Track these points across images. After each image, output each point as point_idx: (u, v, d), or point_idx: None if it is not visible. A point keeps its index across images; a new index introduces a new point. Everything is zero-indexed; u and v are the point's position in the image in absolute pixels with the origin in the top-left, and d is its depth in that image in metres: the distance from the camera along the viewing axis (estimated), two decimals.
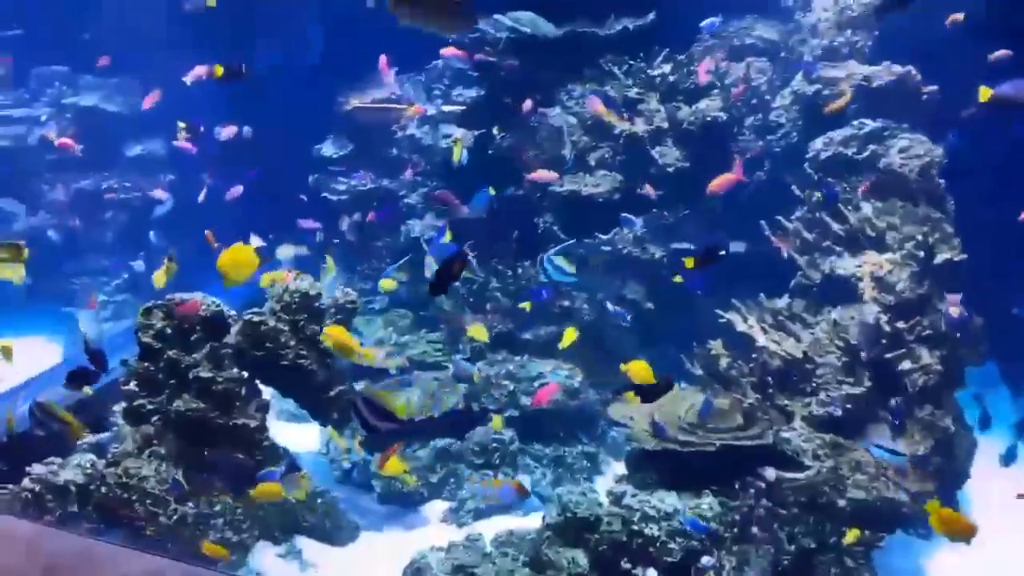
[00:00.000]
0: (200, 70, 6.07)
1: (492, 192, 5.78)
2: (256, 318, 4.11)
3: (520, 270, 6.30)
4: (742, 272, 6.53)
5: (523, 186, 6.61)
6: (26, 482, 4.34)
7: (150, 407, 4.21)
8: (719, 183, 5.04)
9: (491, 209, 5.88)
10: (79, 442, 4.86)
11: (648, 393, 3.76)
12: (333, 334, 4.03)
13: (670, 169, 6.35)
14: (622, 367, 3.95)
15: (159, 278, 4.25)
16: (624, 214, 5.77)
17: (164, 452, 4.08)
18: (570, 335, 5.40)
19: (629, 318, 5.43)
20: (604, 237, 6.21)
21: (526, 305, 5.55)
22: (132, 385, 4.26)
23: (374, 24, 7.74)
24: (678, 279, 4.80)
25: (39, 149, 8.23)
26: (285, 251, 6.34)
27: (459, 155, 6.24)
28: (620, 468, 5.66)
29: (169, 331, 4.20)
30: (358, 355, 4.10)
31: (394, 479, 5.32)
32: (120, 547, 3.17)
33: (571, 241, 6.18)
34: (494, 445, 5.37)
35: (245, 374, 4.17)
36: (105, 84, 8.34)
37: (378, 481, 5.41)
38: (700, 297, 6.44)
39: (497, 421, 5.40)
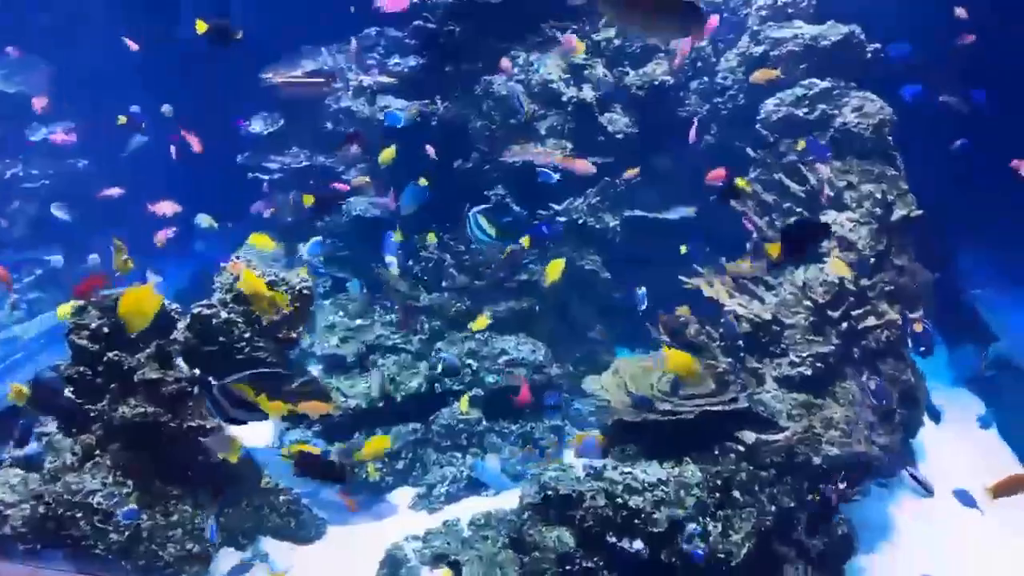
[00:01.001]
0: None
1: (424, 183, 5.50)
2: (206, 311, 3.79)
3: (473, 245, 6.10)
4: (692, 237, 6.57)
5: (471, 158, 6.40)
6: None
7: (89, 415, 3.85)
8: (715, 176, 4.94)
9: (425, 200, 5.58)
10: None
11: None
12: (248, 280, 3.62)
13: (619, 136, 6.26)
14: (664, 357, 3.82)
15: (121, 265, 3.81)
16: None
17: (109, 463, 3.74)
18: (555, 269, 5.27)
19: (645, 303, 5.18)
20: (558, 207, 6.09)
21: (525, 240, 5.34)
22: (67, 392, 3.88)
23: None
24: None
25: None
26: (203, 219, 5.96)
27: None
28: None
29: (106, 330, 3.83)
30: (270, 301, 3.73)
31: (357, 469, 5.12)
32: (67, 572, 2.87)
33: (502, 200, 6.02)
34: (460, 426, 5.22)
35: (196, 372, 3.85)
36: (3, 63, 7.58)
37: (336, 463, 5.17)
38: (653, 264, 6.44)
39: (464, 402, 5.23)
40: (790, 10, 5.71)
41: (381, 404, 5.15)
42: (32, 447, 4.85)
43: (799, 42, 5.45)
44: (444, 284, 5.92)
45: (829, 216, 4.55)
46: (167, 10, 8.54)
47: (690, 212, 6.47)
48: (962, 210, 6.27)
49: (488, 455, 5.20)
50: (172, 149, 6.63)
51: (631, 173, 5.82)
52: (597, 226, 6.08)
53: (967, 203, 6.16)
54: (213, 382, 3.40)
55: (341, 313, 5.84)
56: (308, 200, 5.06)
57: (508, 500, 5.04)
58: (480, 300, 5.81)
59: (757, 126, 5.57)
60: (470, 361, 5.41)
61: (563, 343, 6.02)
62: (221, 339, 3.80)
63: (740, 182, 4.77)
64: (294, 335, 3.99)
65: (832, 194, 4.59)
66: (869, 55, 5.35)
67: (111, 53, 7.13)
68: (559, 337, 6.01)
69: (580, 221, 5.99)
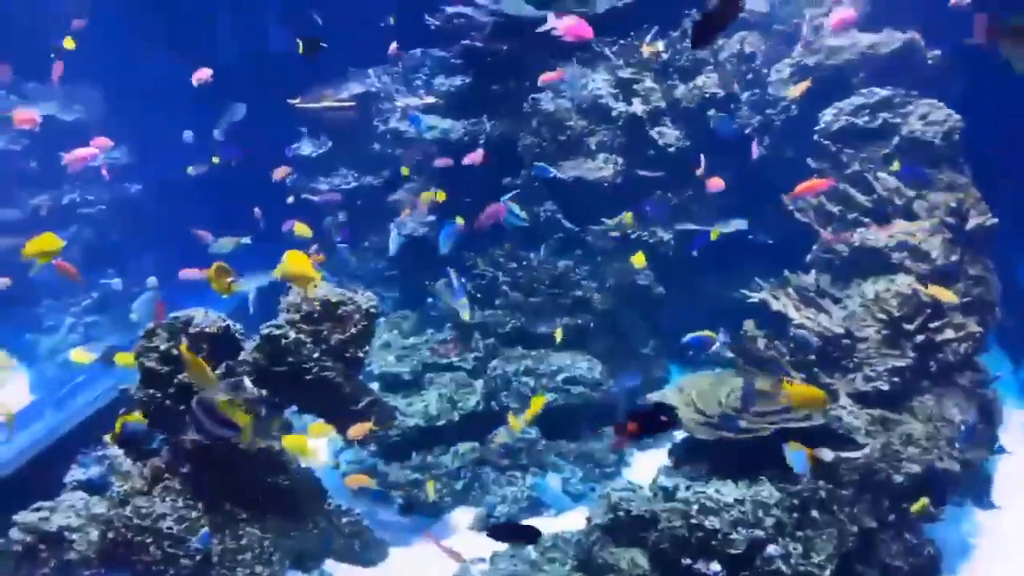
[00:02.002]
0: (204, 73, 5.68)
1: (460, 222, 5.48)
2: (275, 331, 3.79)
3: (525, 262, 6.06)
4: (746, 249, 6.46)
5: (520, 175, 6.38)
6: (14, 532, 3.96)
7: (159, 438, 3.86)
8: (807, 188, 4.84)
9: (461, 238, 5.54)
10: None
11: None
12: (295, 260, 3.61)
13: (671, 149, 6.20)
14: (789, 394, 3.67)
15: (224, 288, 3.77)
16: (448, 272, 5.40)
17: (179, 486, 3.74)
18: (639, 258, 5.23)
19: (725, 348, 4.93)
20: (610, 222, 6.03)
21: (627, 217, 5.28)
22: (136, 413, 3.90)
23: (338, 14, 7.44)
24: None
25: None
26: (224, 244, 5.96)
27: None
28: (644, 459, 5.53)
29: (176, 352, 3.85)
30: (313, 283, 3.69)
31: (416, 489, 5.07)
32: None
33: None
34: (520, 445, 5.15)
35: (264, 392, 3.85)
36: (57, 92, 7.77)
37: (398, 492, 5.13)
38: (709, 279, 6.35)
39: (515, 421, 5.15)
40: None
41: (441, 423, 5.10)
42: (95, 470, 4.90)
43: (856, 50, 5.35)
44: (497, 302, 5.88)
45: (899, 226, 4.43)
46: (206, 35, 8.71)
47: (742, 224, 6.38)
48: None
49: (549, 474, 5.12)
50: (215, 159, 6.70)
51: (703, 175, 5.68)
52: (650, 240, 6.01)
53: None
54: (199, 397, 3.38)
55: (395, 331, 5.83)
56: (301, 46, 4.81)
57: (570, 520, 4.95)
58: (534, 317, 5.76)
59: (816, 136, 5.47)
60: (527, 379, 5.35)
61: (616, 359, 5.93)
62: (290, 359, 3.79)
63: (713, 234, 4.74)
64: (361, 354, 3.97)
65: (900, 203, 4.48)
66: (929, 62, 5.24)
67: (156, 79, 7.29)
68: (611, 353, 5.93)
69: (634, 235, 5.92)
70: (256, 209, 6.17)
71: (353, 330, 3.87)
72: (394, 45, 6.80)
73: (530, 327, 5.71)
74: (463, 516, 5.08)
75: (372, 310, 3.96)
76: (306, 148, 7.53)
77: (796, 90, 5.67)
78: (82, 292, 7.30)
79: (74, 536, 3.99)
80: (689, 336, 4.76)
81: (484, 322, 5.78)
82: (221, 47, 8.44)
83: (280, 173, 6.77)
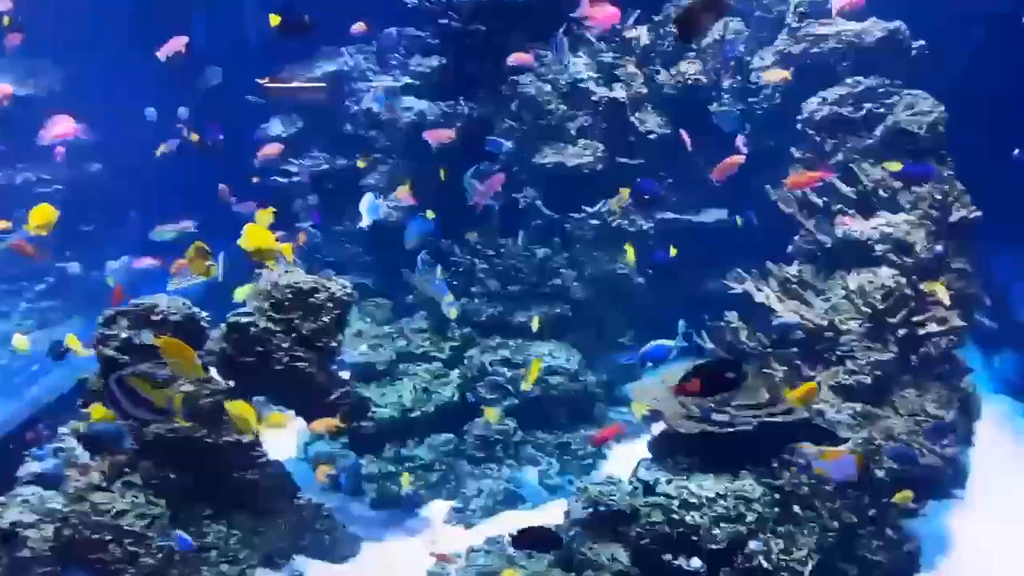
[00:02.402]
0: (177, 43, 5.33)
1: (431, 216, 5.30)
2: (243, 319, 3.61)
3: (503, 249, 5.92)
4: (726, 239, 6.39)
5: (498, 160, 6.22)
6: None
7: (129, 438, 3.66)
8: (723, 168, 4.72)
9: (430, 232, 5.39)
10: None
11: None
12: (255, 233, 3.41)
13: (652, 136, 6.10)
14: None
15: (203, 271, 3.51)
16: (422, 254, 5.29)
17: (140, 482, 3.55)
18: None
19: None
20: (590, 210, 5.91)
21: (624, 192, 5.04)
22: (92, 407, 3.69)
23: None
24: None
25: None
26: (164, 232, 5.63)
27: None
28: (623, 452, 5.46)
29: (137, 341, 3.65)
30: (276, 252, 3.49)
31: (388, 482, 4.92)
32: None
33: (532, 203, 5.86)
34: (496, 437, 5.03)
35: (231, 384, 3.67)
36: (13, 66, 7.37)
37: (371, 485, 4.98)
38: (689, 269, 6.26)
39: (491, 413, 5.04)
40: (829, 6, 5.54)
41: (415, 414, 4.96)
42: (49, 463, 4.66)
43: (842, 39, 5.28)
44: (474, 289, 5.74)
45: (883, 218, 4.38)
46: (178, 15, 8.35)
47: (723, 215, 6.31)
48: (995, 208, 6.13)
49: (526, 467, 5.01)
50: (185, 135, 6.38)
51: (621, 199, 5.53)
52: (631, 229, 5.90)
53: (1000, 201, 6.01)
54: (118, 376, 3.15)
55: (369, 320, 5.65)
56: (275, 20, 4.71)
57: (548, 514, 4.86)
58: (512, 306, 5.63)
59: (799, 126, 5.40)
60: (503, 369, 5.23)
61: (594, 350, 5.84)
62: (259, 349, 3.61)
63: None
64: (334, 344, 3.80)
65: (886, 195, 4.43)
66: (914, 52, 5.19)
67: (123, 58, 6.96)
68: (589, 343, 5.83)
69: (615, 224, 5.81)
70: (222, 185, 5.90)
71: (326, 319, 3.70)
72: (361, 24, 6.55)
73: (508, 316, 5.57)
74: (438, 509, 4.95)
75: (346, 298, 3.79)
76: (275, 128, 7.29)
77: (774, 75, 5.58)
78: (36, 276, 6.98)
79: (28, 532, 3.79)
80: (647, 347, 4.51)
81: (460, 311, 5.64)
82: (195, 28, 8.09)
83: (271, 150, 6.41)
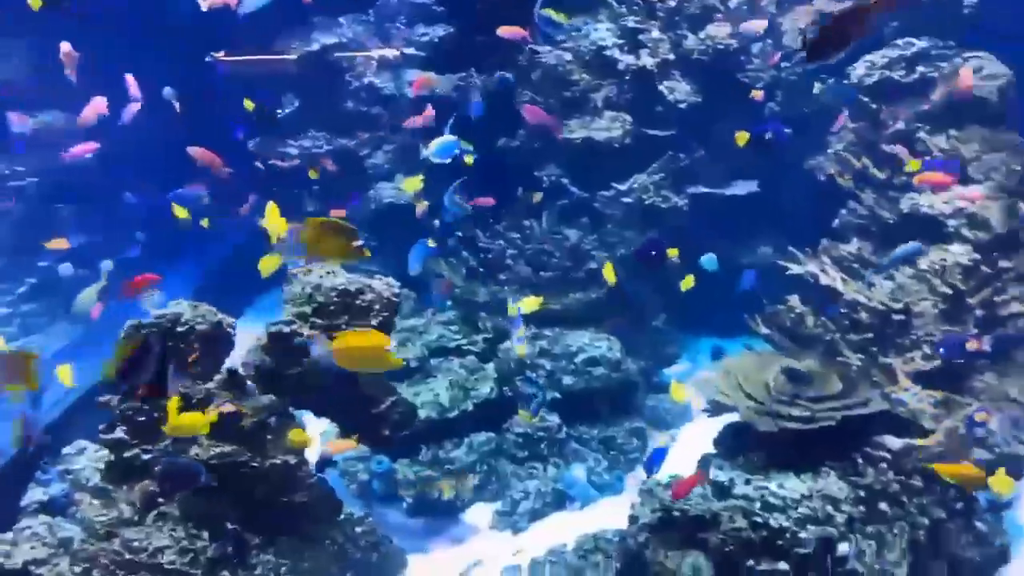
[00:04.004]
0: None
1: (432, 244, 4.93)
2: (286, 328, 3.23)
3: (528, 231, 5.57)
4: (757, 212, 6.12)
5: (517, 135, 5.85)
6: None
7: (146, 457, 3.29)
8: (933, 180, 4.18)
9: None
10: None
11: None
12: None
13: (682, 105, 5.75)
14: None
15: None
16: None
17: (178, 513, 3.19)
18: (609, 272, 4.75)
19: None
20: (621, 187, 5.57)
21: (741, 136, 4.14)
22: (119, 432, 3.31)
23: None
24: None
25: None
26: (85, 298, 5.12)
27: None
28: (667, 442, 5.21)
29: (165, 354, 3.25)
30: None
31: (426, 488, 4.62)
32: None
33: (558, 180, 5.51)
34: (539, 434, 4.74)
35: (273, 398, 3.30)
36: None
37: (408, 491, 4.68)
38: (720, 244, 5.96)
39: (525, 414, 4.70)
40: None
41: (454, 414, 4.64)
42: (56, 488, 4.27)
43: None
44: (503, 276, 5.39)
45: (954, 191, 4.12)
46: None
47: (754, 187, 6.02)
48: None
49: (573, 465, 4.74)
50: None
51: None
52: (664, 205, 5.58)
53: None
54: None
55: None
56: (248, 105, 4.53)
57: (598, 515, 4.61)
58: (545, 292, 5.29)
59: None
60: (542, 361, 4.92)
61: (628, 334, 5.54)
62: (305, 360, 3.24)
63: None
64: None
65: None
66: (967, 11, 4.89)
67: (98, 37, 6.37)
68: (623, 328, 5.53)
69: (648, 201, 5.48)
70: (225, 169, 5.42)
71: (374, 322, 3.34)
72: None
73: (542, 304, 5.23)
74: (481, 513, 4.66)
75: (394, 298, 3.43)
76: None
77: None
78: (15, 278, 6.44)
79: (42, 571, 3.42)
80: (649, 453, 4.22)
81: (489, 300, 5.30)
82: (170, 6, 7.48)
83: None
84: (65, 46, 5.04)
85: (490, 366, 4.96)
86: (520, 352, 4.51)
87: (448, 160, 4.74)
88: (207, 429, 3.02)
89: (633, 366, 5.23)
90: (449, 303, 5.45)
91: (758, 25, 5.24)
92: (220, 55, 6.94)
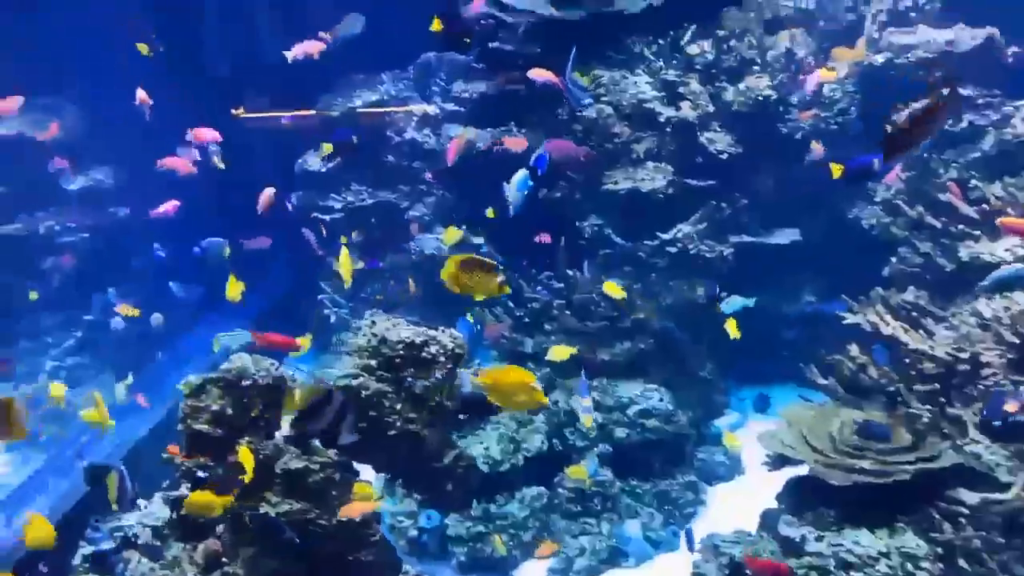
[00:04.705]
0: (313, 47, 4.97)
1: (470, 319, 5.09)
2: (354, 382, 3.21)
3: (571, 281, 5.56)
4: (796, 263, 6.10)
5: (557, 186, 5.89)
6: None
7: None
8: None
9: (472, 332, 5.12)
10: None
11: None
12: None
13: (723, 156, 5.79)
14: None
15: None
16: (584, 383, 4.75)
17: (244, 573, 3.13)
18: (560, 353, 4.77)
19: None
20: (665, 236, 5.57)
21: (836, 168, 3.86)
22: (183, 488, 3.28)
23: (339, 20, 6.84)
24: None
25: None
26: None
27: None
28: (718, 496, 5.09)
29: (229, 411, 3.25)
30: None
31: (479, 543, 4.52)
32: None
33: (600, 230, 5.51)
34: (593, 488, 4.64)
35: (336, 455, 3.27)
36: (30, 106, 6.94)
37: (459, 547, 4.58)
38: (764, 293, 5.92)
39: (578, 471, 4.62)
40: (913, 14, 5.29)
41: (505, 467, 4.57)
42: (104, 546, 4.21)
43: (932, 48, 5.02)
44: (548, 327, 5.37)
45: (1009, 240, 4.08)
46: (194, 50, 7.99)
47: (796, 235, 6.02)
48: None
49: (627, 521, 4.63)
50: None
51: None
52: (708, 255, 5.57)
53: None
54: None
55: None
56: (327, 149, 4.75)
57: (654, 572, 4.49)
58: (591, 342, 5.26)
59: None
60: (596, 414, 4.85)
61: (677, 386, 5.47)
62: (371, 414, 3.22)
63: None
64: (448, 403, 3.41)
65: (1015, 214, 4.14)
66: (1011, 59, 4.94)
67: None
68: (672, 379, 5.47)
69: (693, 251, 5.48)
70: (307, 232, 5.49)
71: (439, 374, 3.31)
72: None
73: (588, 354, 5.20)
74: (535, 571, 4.55)
75: (459, 351, 3.41)
76: (313, 162, 6.91)
77: (828, 74, 5.28)
78: (64, 330, 6.51)
79: None
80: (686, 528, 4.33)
81: (535, 352, 5.27)
82: (209, 59, 7.72)
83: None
84: (141, 93, 5.20)
85: (539, 418, 4.89)
86: (587, 423, 4.46)
87: (525, 192, 4.72)
88: (221, 511, 3.03)
89: (683, 418, 5.15)
90: (495, 353, 5.44)
91: (811, 81, 5.28)
92: (240, 111, 7.09)
